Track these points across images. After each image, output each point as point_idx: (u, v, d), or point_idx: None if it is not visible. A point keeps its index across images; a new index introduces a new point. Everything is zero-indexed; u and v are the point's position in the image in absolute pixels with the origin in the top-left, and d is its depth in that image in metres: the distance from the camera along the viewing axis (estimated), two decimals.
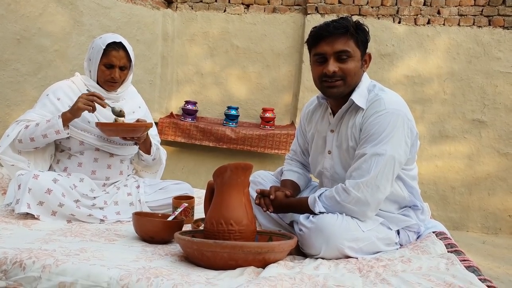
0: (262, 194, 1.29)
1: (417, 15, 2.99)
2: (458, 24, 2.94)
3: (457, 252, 1.18)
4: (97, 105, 1.44)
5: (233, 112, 3.11)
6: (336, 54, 1.21)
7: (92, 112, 1.45)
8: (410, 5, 2.99)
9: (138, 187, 1.64)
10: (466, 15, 2.94)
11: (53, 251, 1.01)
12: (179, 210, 1.40)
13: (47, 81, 2.42)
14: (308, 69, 2.96)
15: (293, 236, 1.16)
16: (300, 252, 1.22)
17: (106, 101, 1.57)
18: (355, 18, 1.28)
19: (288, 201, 1.29)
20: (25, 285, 0.92)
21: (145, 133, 1.54)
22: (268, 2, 3.19)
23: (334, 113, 1.32)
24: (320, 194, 1.23)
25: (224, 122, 3.13)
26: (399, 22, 3.00)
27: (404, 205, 1.31)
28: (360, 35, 1.23)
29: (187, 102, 3.17)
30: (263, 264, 1.03)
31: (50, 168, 1.58)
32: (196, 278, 0.92)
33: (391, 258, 1.13)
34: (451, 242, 1.27)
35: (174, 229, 1.23)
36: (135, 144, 1.60)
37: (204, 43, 3.25)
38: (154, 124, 1.68)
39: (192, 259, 1.06)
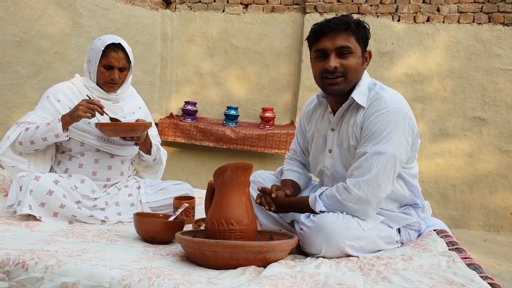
0: (263, 192, 1.29)
1: (416, 13, 2.99)
2: (458, 22, 2.94)
3: (458, 250, 1.18)
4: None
5: (232, 112, 3.11)
6: (337, 50, 1.21)
7: (92, 118, 1.45)
8: (409, 3, 2.99)
9: (139, 187, 1.64)
10: (466, 12, 2.94)
11: (55, 252, 1.02)
12: (180, 210, 1.40)
13: (47, 83, 2.42)
14: (307, 68, 2.97)
15: (293, 235, 1.16)
16: (301, 251, 1.22)
17: (106, 102, 1.58)
18: (354, 16, 1.28)
19: (288, 200, 1.29)
20: (28, 285, 0.93)
21: (144, 132, 1.54)
22: (267, 1, 3.19)
23: (334, 112, 1.32)
24: (321, 193, 1.23)
25: (224, 122, 3.13)
26: (398, 20, 3.00)
27: (405, 204, 1.31)
28: (361, 32, 1.24)
29: (186, 103, 3.17)
30: (264, 264, 1.03)
31: (51, 170, 1.59)
32: (198, 278, 0.93)
33: (392, 257, 1.13)
34: (452, 240, 1.27)
35: (175, 229, 1.24)
36: (135, 144, 1.60)
37: (203, 43, 3.26)
38: (154, 124, 1.69)
39: (193, 259, 1.07)
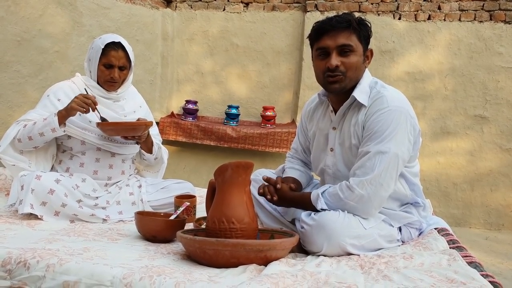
0: (268, 182, 1.29)
1: (417, 11, 2.98)
2: (459, 19, 2.93)
3: (459, 248, 1.18)
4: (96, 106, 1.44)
5: (233, 111, 3.11)
6: (338, 48, 1.21)
7: (86, 113, 1.45)
8: (410, 1, 2.98)
9: (140, 186, 1.65)
10: (467, 10, 2.92)
11: (57, 251, 1.02)
12: (181, 209, 1.40)
13: (48, 82, 2.42)
14: (308, 67, 2.96)
15: (294, 234, 1.16)
16: (302, 249, 1.22)
17: (107, 101, 1.58)
18: (355, 15, 1.27)
19: (292, 195, 1.29)
20: (29, 284, 0.93)
21: (145, 131, 1.54)
22: (268, 0, 3.19)
23: (335, 111, 1.32)
24: (324, 191, 1.23)
25: (225, 121, 3.13)
26: (399, 18, 2.99)
27: (406, 202, 1.31)
28: (363, 30, 1.24)
29: (187, 102, 3.17)
30: (265, 262, 1.03)
31: (53, 169, 1.59)
32: (199, 276, 0.93)
33: (393, 255, 1.13)
34: (453, 238, 1.27)
35: (176, 228, 1.24)
36: (137, 143, 1.61)
37: (204, 42, 3.25)
38: (155, 123, 1.69)
39: (195, 257, 1.07)
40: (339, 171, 1.30)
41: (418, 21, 2.97)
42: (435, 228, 1.35)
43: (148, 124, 1.51)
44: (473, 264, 1.04)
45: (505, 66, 2.88)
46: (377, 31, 2.94)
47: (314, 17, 2.99)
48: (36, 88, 2.46)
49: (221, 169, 1.13)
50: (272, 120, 3.09)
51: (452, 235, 1.32)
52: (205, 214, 1.36)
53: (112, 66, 1.54)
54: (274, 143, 2.99)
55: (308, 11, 3.06)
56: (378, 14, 3.01)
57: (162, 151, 1.75)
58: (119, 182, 1.63)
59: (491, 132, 2.91)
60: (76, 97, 1.43)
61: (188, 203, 1.47)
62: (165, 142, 2.97)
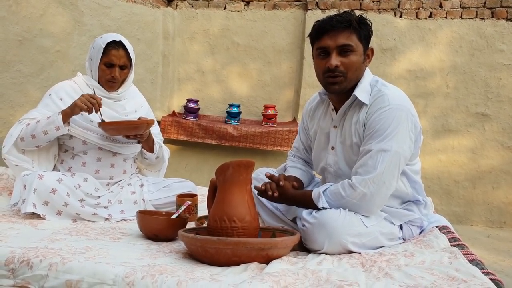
0: (271, 179, 1.29)
1: (418, 8, 2.97)
2: (461, 17, 2.92)
3: (460, 246, 1.18)
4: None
5: (234, 109, 3.11)
6: (338, 48, 1.21)
7: (89, 114, 1.45)
8: None
9: (141, 185, 1.65)
10: (469, 7, 2.91)
11: (59, 250, 1.03)
12: (183, 208, 1.40)
13: (50, 82, 2.43)
14: (309, 65, 2.96)
15: (296, 232, 1.16)
16: (303, 247, 1.22)
17: (108, 100, 1.58)
18: (356, 13, 1.27)
19: (293, 192, 1.29)
20: (32, 283, 0.94)
21: (147, 130, 1.55)
22: None
23: (336, 109, 1.32)
24: (325, 189, 1.23)
25: (226, 119, 3.13)
26: (401, 16, 2.98)
27: (407, 200, 1.31)
28: (363, 30, 1.23)
29: (188, 100, 3.18)
30: (266, 260, 1.03)
31: (55, 168, 1.60)
32: (200, 275, 0.93)
33: (394, 253, 1.13)
34: (454, 236, 1.27)
35: (178, 226, 1.24)
36: (138, 142, 1.61)
37: (204, 40, 3.25)
38: (156, 123, 1.69)
39: (196, 256, 1.07)
40: (340, 169, 1.30)
41: (419, 18, 2.96)
42: (436, 226, 1.36)
43: (149, 123, 1.52)
44: (474, 261, 1.04)
45: (507, 63, 2.87)
46: (378, 29, 2.94)
47: (315, 15, 2.98)
48: (37, 87, 2.46)
49: (222, 168, 1.13)
50: (273, 119, 3.09)
51: (453, 232, 1.32)
52: (206, 213, 1.36)
53: (113, 65, 1.54)
54: (275, 141, 3.00)
55: (309, 9, 3.05)
56: (379, 12, 3.00)
57: (163, 150, 1.75)
58: (121, 181, 1.63)
59: (492, 130, 2.90)
60: (82, 95, 1.44)
61: (189, 202, 1.47)
62: (167, 141, 2.98)
